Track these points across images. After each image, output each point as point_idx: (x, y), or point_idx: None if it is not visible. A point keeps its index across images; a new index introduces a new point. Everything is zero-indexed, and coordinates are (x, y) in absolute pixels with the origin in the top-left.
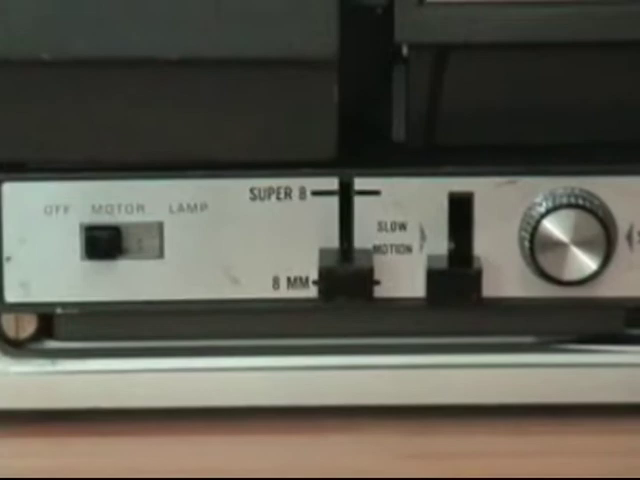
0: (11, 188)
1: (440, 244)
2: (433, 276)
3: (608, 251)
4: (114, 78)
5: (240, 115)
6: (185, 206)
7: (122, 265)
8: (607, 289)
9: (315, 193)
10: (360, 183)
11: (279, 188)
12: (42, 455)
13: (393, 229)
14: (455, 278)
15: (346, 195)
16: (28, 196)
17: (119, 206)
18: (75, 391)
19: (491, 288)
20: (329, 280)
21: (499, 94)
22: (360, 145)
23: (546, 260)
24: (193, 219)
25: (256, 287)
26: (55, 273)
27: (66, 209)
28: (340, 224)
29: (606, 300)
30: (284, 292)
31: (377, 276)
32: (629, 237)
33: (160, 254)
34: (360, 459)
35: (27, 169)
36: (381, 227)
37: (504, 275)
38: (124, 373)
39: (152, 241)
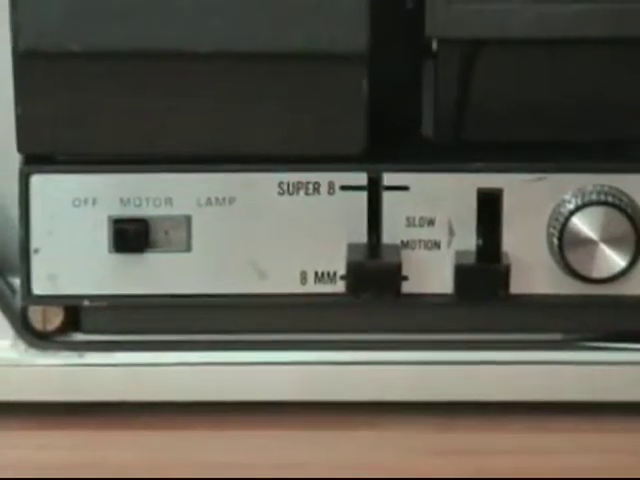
0: (40, 180)
1: (468, 240)
2: (461, 272)
3: (637, 249)
4: (143, 71)
5: (269, 109)
6: (213, 200)
7: (150, 258)
8: (636, 287)
9: (344, 188)
10: (389, 178)
11: (307, 183)
12: (68, 448)
13: (421, 225)
14: (483, 274)
15: (375, 190)
16: (56, 188)
17: (147, 199)
18: (102, 384)
19: (519, 285)
20: (357, 275)
21: (529, 90)
22: (389, 140)
23: (575, 257)
24: (221, 213)
25: (284, 282)
26: (83, 266)
27: (94, 202)
28: (368, 219)
29: (635, 298)
30: (312, 287)
31: (405, 272)
32: None
33: (188, 247)
34: (386, 455)
35: (56, 161)
36: (409, 222)
37: (532, 272)
38: (151, 366)
39: (180, 234)
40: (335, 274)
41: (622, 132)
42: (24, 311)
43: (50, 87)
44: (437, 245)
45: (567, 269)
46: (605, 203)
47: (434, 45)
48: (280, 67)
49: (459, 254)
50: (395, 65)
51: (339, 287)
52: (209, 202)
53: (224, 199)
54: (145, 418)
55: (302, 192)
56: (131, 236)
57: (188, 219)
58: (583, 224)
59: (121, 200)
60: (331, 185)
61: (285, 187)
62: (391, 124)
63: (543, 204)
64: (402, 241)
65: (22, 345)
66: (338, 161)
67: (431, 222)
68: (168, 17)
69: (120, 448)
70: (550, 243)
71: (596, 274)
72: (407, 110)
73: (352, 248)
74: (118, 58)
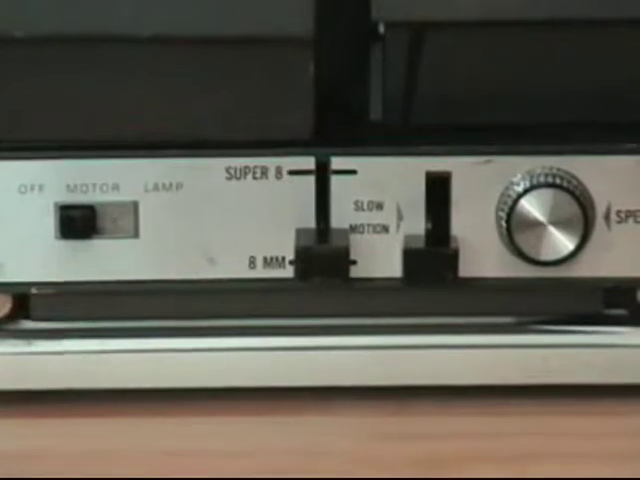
0: None
1: (417, 224)
2: (410, 256)
3: (586, 231)
4: (87, 56)
5: (215, 94)
6: (160, 185)
7: (97, 245)
8: (585, 269)
9: (292, 172)
10: (337, 162)
11: (255, 167)
12: (17, 436)
13: (370, 209)
14: (432, 258)
15: (323, 174)
16: (2, 175)
17: (94, 185)
18: (51, 372)
19: (468, 268)
20: (305, 260)
21: (477, 73)
22: (337, 124)
23: (523, 240)
24: (169, 198)
25: (232, 267)
26: (30, 253)
27: (41, 188)
28: (317, 204)
29: (584, 280)
30: (260, 272)
31: (354, 256)
32: (607, 217)
33: (135, 234)
34: (337, 440)
35: (1, 148)
36: (358, 207)
37: (481, 255)
38: (100, 354)
39: (127, 220)
40: (284, 259)
41: (571, 114)
42: None
43: None
44: (386, 229)
45: (516, 252)
46: (553, 185)
47: (381, 28)
48: (226, 51)
49: (408, 238)
50: (342, 49)
51: (288, 272)
52: (156, 188)
53: (171, 185)
54: (94, 406)
55: (250, 177)
56: (78, 222)
57: (135, 205)
58: (531, 206)
59: (68, 186)
60: (279, 170)
61: (233, 172)
62: (339, 108)
63: (492, 187)
64: (351, 225)
65: None
66: (286, 145)
67: (379, 206)
68: (111, 2)
69: (70, 436)
70: (499, 226)
71: (545, 257)
72: (355, 94)
73: (300, 233)
74: (62, 43)
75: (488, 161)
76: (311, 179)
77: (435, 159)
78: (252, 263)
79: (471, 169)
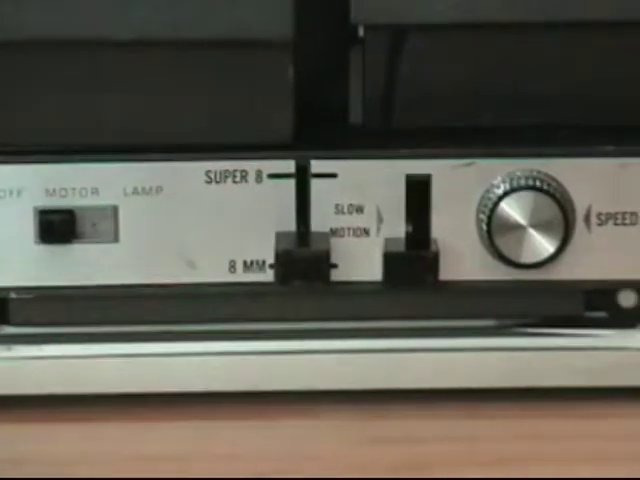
0: None
1: (397, 227)
2: (390, 259)
3: (566, 234)
4: (66, 59)
5: (195, 97)
6: (140, 189)
7: (77, 249)
8: (566, 272)
9: (271, 176)
10: (317, 166)
11: (235, 171)
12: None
13: (350, 212)
14: (412, 261)
15: (303, 178)
16: None
17: (73, 189)
18: (31, 377)
19: (449, 271)
20: (286, 263)
21: (457, 76)
22: (317, 127)
23: (504, 243)
24: (148, 202)
25: (212, 271)
26: (9, 257)
27: (19, 192)
28: (297, 207)
29: (565, 283)
30: (241, 276)
31: (334, 259)
32: (587, 219)
33: (115, 238)
34: (319, 444)
35: None
36: (338, 210)
37: (462, 258)
38: (81, 359)
39: (107, 225)
40: (264, 263)
41: (551, 117)
42: None
43: None
44: (366, 232)
45: (496, 254)
46: (534, 188)
47: (361, 31)
48: (206, 54)
49: (388, 241)
50: (322, 52)
51: (268, 276)
52: (136, 192)
53: (151, 188)
54: (75, 411)
55: (230, 180)
56: (57, 227)
57: (115, 209)
58: (512, 209)
59: (47, 191)
60: (259, 173)
61: (212, 176)
62: (319, 111)
63: (472, 190)
64: (331, 229)
65: None
66: (265, 149)
67: (360, 209)
68: (90, 5)
69: (50, 442)
70: (479, 229)
71: (525, 259)
72: (335, 97)
73: (281, 236)
74: (39, 47)
75: (468, 164)
76: (291, 182)
77: (415, 162)
78: (232, 267)
79: (451, 172)
